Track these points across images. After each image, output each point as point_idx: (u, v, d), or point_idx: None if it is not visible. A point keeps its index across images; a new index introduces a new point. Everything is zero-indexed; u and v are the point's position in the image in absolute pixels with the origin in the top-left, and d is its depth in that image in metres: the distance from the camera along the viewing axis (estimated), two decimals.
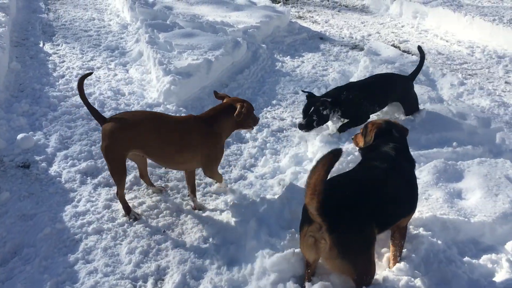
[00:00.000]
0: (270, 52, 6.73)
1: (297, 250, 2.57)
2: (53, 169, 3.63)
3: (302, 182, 3.46)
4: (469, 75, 6.33)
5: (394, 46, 7.56)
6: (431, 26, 8.80)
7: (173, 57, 5.46)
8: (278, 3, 10.47)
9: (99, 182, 3.53)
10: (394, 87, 4.23)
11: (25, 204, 3.21)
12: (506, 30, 7.54)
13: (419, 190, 2.74)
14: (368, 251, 2.26)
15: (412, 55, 6.96)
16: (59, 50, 6.27)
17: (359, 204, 2.26)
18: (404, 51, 7.24)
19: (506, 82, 6.07)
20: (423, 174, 3.21)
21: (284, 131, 4.57)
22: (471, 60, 6.95)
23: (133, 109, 4.69)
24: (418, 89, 4.81)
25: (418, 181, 2.77)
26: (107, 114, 4.57)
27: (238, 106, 3.08)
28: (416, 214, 2.75)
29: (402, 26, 8.98)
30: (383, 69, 5.34)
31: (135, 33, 6.99)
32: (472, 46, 7.56)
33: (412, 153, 2.81)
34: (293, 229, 2.83)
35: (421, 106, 4.38)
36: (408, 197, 2.52)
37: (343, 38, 7.98)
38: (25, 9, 8.18)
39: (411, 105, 4.26)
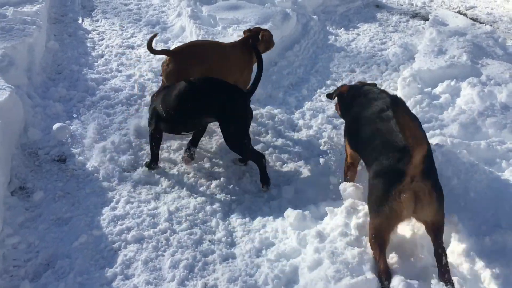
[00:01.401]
0: (322, 24, 6.14)
1: (370, 276, 2.15)
2: (91, 164, 3.33)
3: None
4: None
5: (460, 13, 6.79)
6: None
7: (217, 33, 5.02)
8: None
9: (139, 179, 3.20)
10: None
11: (60, 206, 2.93)
12: None
13: None
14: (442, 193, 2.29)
15: (485, 24, 6.20)
16: (99, 26, 5.94)
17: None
18: (472, 19, 6.48)
19: None
20: None
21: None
22: None
23: None
24: (497, 66, 4.18)
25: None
26: (148, 98, 4.23)
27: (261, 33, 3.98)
28: None
29: None
30: (453, 42, 4.69)
31: (177, 5, 6.54)
32: None
33: (498, 147, 2.90)
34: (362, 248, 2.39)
35: (502, 87, 3.76)
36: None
37: (402, 5, 7.25)
38: None
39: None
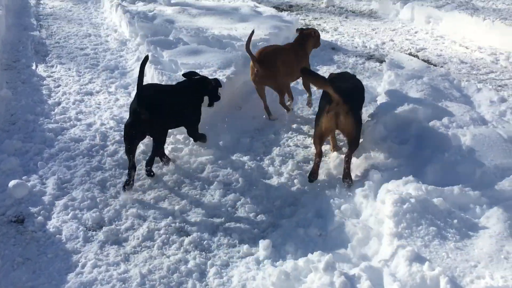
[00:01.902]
0: None
1: None
2: (52, 224, 3.10)
3: (346, 231, 2.95)
4: (499, 86, 5.85)
5: (412, 55, 7.08)
6: (446, 31, 8.31)
7: (181, 78, 4.94)
8: (281, 11, 10.00)
9: (106, 238, 3.00)
10: None
11: (19, 274, 2.67)
12: None
13: (493, 243, 2.53)
14: (360, 117, 3.69)
15: (436, 66, 6.48)
16: (54, 72, 5.75)
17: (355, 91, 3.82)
18: (424, 61, 6.76)
19: None
20: (491, 222, 2.70)
21: (311, 161, 4.05)
22: (497, 69, 6.48)
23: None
24: (456, 108, 4.32)
25: (486, 230, 2.65)
26: (111, 148, 4.05)
27: (313, 33, 5.01)
28: (500, 282, 2.24)
29: (416, 32, 8.51)
30: (412, 85, 4.84)
31: (136, 50, 6.47)
32: (495, 53, 7.08)
33: (470, 192, 2.99)
34: None
35: (464, 129, 3.87)
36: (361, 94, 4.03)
37: (356, 47, 7.50)
38: (15, 26, 7.65)
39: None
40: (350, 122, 3.45)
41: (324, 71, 6.21)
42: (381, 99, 4.75)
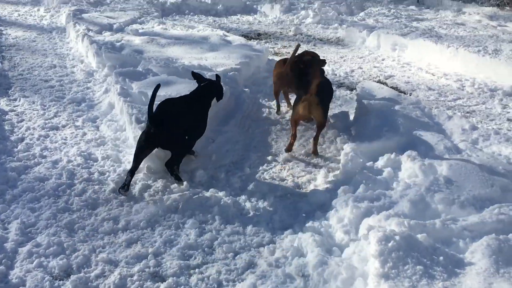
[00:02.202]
0: (254, 96, 6.16)
1: None
2: (15, 274, 2.86)
3: (329, 271, 2.84)
4: (467, 112, 5.96)
5: (381, 83, 7.18)
6: (412, 58, 8.51)
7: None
8: (250, 39, 10.04)
9: (75, 287, 2.80)
10: None
11: None
12: (493, 62, 7.30)
13: (481, 281, 2.47)
14: (327, 110, 4.68)
15: (405, 93, 6.57)
16: (17, 106, 5.51)
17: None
18: (393, 88, 6.85)
19: (508, 120, 5.71)
20: (476, 257, 2.65)
21: (289, 195, 3.96)
22: (463, 95, 6.62)
23: (109, 178, 3.99)
24: (430, 137, 4.34)
25: (473, 267, 2.60)
26: (79, 187, 3.85)
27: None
28: None
29: (383, 60, 8.66)
30: (385, 114, 4.85)
31: (103, 81, 6.31)
32: (461, 79, 7.26)
33: (452, 226, 2.98)
34: None
35: (440, 160, 3.87)
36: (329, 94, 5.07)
37: (326, 75, 7.53)
38: None
39: None
40: (319, 111, 4.43)
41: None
42: (354, 128, 4.73)
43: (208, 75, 6.03)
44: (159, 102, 4.03)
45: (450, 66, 7.81)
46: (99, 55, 6.79)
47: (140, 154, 3.87)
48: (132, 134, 4.52)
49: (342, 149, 4.52)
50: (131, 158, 4.30)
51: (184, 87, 5.47)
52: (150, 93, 5.16)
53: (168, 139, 3.85)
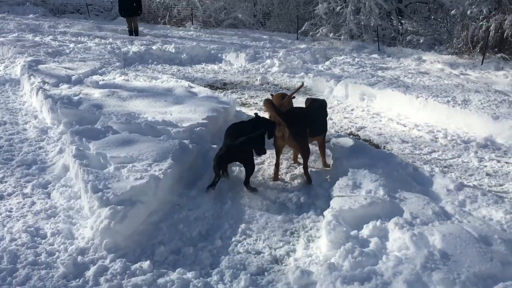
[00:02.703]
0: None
1: None
2: None
3: None
4: (445, 167, 5.75)
5: (353, 135, 6.97)
6: (381, 108, 8.40)
7: (110, 177, 4.32)
8: (216, 89, 9.78)
9: None
10: None
11: None
12: (463, 113, 7.23)
13: None
14: (305, 140, 4.87)
15: (379, 147, 6.34)
16: None
17: (300, 119, 4.86)
18: (366, 141, 6.63)
19: (487, 174, 5.52)
20: None
21: (266, 272, 3.51)
22: (438, 148, 6.45)
23: (58, 260, 3.44)
24: (415, 200, 4.04)
25: None
26: (22, 273, 3.28)
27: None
28: None
29: (352, 110, 8.52)
30: (365, 174, 4.55)
31: (58, 139, 5.79)
32: (432, 130, 7.14)
33: None
34: None
35: (430, 227, 3.55)
36: (322, 122, 5.38)
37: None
38: None
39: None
40: (292, 142, 4.80)
41: (267, 156, 5.85)
42: (335, 191, 4.39)
43: (173, 131, 5.65)
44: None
45: (420, 117, 7.71)
46: (54, 111, 6.29)
47: (218, 169, 4.70)
48: (87, 204, 4.00)
49: (321, 215, 4.17)
50: (85, 231, 3.81)
51: (147, 146, 5.04)
52: (109, 155, 4.76)
53: (243, 154, 4.72)
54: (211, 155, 5.45)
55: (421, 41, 19.41)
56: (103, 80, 8.49)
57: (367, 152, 5.28)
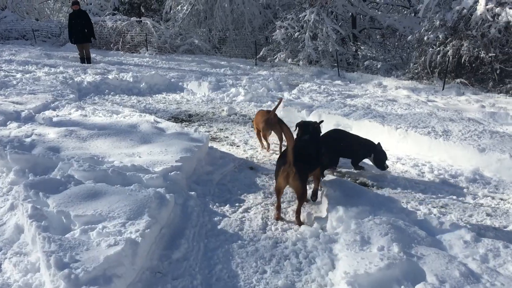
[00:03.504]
0: (202, 202, 5.15)
1: None
2: None
3: None
4: (442, 207, 5.37)
5: (337, 172, 6.51)
6: None
7: (77, 244, 3.58)
8: (181, 122, 9.15)
9: None
10: None
11: None
12: (447, 145, 6.97)
13: None
14: (306, 180, 4.68)
15: (368, 186, 5.91)
16: None
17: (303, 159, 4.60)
18: (350, 177, 6.19)
19: (487, 215, 5.19)
20: None
21: None
22: (427, 184, 6.09)
23: None
24: (434, 258, 3.57)
25: None
26: None
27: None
28: None
29: None
30: (372, 226, 4.05)
31: (8, 191, 4.96)
32: (417, 163, 6.82)
33: None
34: None
35: None
36: (316, 158, 5.07)
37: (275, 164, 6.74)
38: None
39: None
40: (297, 182, 4.50)
41: (250, 202, 5.27)
42: (341, 249, 3.86)
43: (145, 178, 4.97)
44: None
45: (401, 149, 7.41)
46: (3, 157, 5.43)
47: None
48: (50, 284, 3.24)
49: (326, 276, 3.63)
50: None
51: (118, 200, 4.34)
52: (72, 213, 4.03)
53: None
54: (191, 206, 4.84)
55: (379, 66, 19.59)
56: (58, 116, 7.66)
57: (364, 196, 4.83)
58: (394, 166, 6.79)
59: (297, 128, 5.50)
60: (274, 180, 4.81)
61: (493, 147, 6.60)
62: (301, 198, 4.63)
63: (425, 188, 5.95)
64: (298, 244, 4.28)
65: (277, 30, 21.53)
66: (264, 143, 7.29)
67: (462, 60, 15.03)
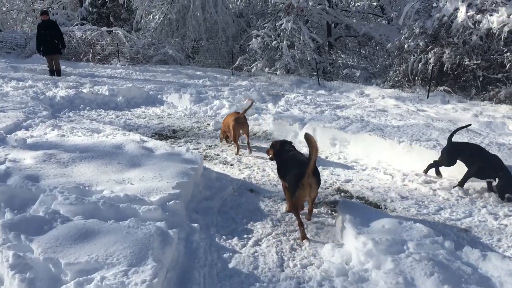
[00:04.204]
0: (206, 234, 4.57)
1: None
2: None
3: None
4: (466, 230, 4.96)
5: (341, 191, 6.06)
6: (358, 155, 7.63)
7: None
8: (166, 138, 8.55)
9: None
10: None
11: None
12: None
13: None
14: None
15: (380, 207, 5.44)
16: None
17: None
18: (360, 199, 5.74)
19: None
20: None
21: None
22: (441, 203, 5.70)
23: None
24: None
25: None
26: None
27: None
28: None
29: (327, 158, 7.66)
30: (413, 264, 3.57)
31: None
32: (427, 181, 6.42)
33: None
34: None
35: None
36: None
37: (276, 185, 6.23)
38: None
39: None
40: (317, 190, 4.63)
41: (259, 232, 4.73)
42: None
43: (141, 211, 4.37)
44: None
45: (405, 165, 7.01)
46: None
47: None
48: None
49: None
50: None
51: (114, 240, 3.73)
52: (63, 261, 3.41)
53: None
54: (195, 241, 4.27)
55: (358, 74, 19.40)
56: (32, 136, 6.93)
57: (386, 222, 4.35)
58: (402, 184, 6.38)
59: (276, 145, 5.40)
60: (289, 198, 4.71)
61: (504, 161, 6.25)
62: (314, 201, 4.90)
63: (440, 207, 5.54)
64: (325, 285, 3.75)
65: (254, 39, 21.12)
66: (234, 144, 7.68)
67: (445, 68, 14.94)
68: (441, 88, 14.83)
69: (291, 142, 5.47)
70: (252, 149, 7.70)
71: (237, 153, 7.52)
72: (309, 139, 4.46)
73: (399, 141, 7.25)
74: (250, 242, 4.49)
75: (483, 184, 6.14)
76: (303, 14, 21.77)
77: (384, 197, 5.89)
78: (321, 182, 6.36)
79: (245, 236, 4.63)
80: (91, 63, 21.27)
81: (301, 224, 4.53)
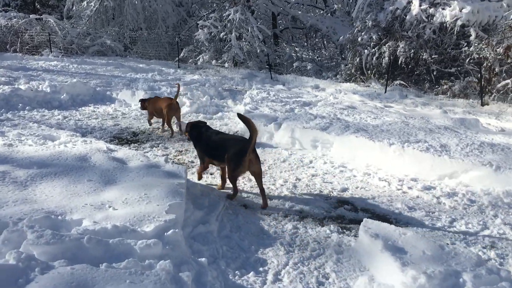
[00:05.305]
0: (217, 271, 3.81)
1: None
2: None
3: None
4: (490, 247, 4.57)
5: (341, 202, 5.52)
6: (344, 159, 7.14)
7: None
8: (129, 143, 7.59)
9: None
10: None
11: None
12: (455, 162, 6.26)
13: None
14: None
15: (391, 221, 4.93)
16: None
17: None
18: (365, 211, 5.22)
19: None
20: None
21: None
22: (450, 213, 5.32)
23: None
24: None
25: None
26: None
27: None
28: None
29: (311, 162, 7.09)
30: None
31: None
32: (427, 187, 6.05)
33: None
34: None
35: None
36: None
37: (271, 199, 5.55)
38: None
39: None
40: (258, 165, 5.23)
41: (273, 263, 4.05)
42: None
43: (138, 247, 3.55)
44: None
45: (397, 169, 6.60)
46: None
47: None
48: None
49: None
50: None
51: None
52: None
53: None
54: (210, 281, 3.51)
55: (309, 67, 19.09)
56: None
57: (427, 248, 3.83)
58: (403, 191, 5.94)
59: (194, 127, 5.82)
60: (235, 170, 5.16)
61: (504, 164, 6.02)
62: (260, 179, 5.29)
63: (451, 219, 5.14)
64: None
65: (200, 30, 20.17)
66: (166, 126, 8.32)
67: (399, 62, 14.93)
68: (397, 82, 14.82)
69: (205, 123, 5.89)
70: None
71: (171, 136, 8.25)
72: (246, 120, 4.99)
73: (389, 144, 6.83)
74: (270, 277, 3.79)
75: (481, 186, 5.84)
76: (249, 5, 21.10)
77: (390, 208, 5.41)
78: (316, 191, 5.81)
79: (260, 269, 3.93)
80: (19, 54, 19.26)
81: (236, 191, 5.41)
